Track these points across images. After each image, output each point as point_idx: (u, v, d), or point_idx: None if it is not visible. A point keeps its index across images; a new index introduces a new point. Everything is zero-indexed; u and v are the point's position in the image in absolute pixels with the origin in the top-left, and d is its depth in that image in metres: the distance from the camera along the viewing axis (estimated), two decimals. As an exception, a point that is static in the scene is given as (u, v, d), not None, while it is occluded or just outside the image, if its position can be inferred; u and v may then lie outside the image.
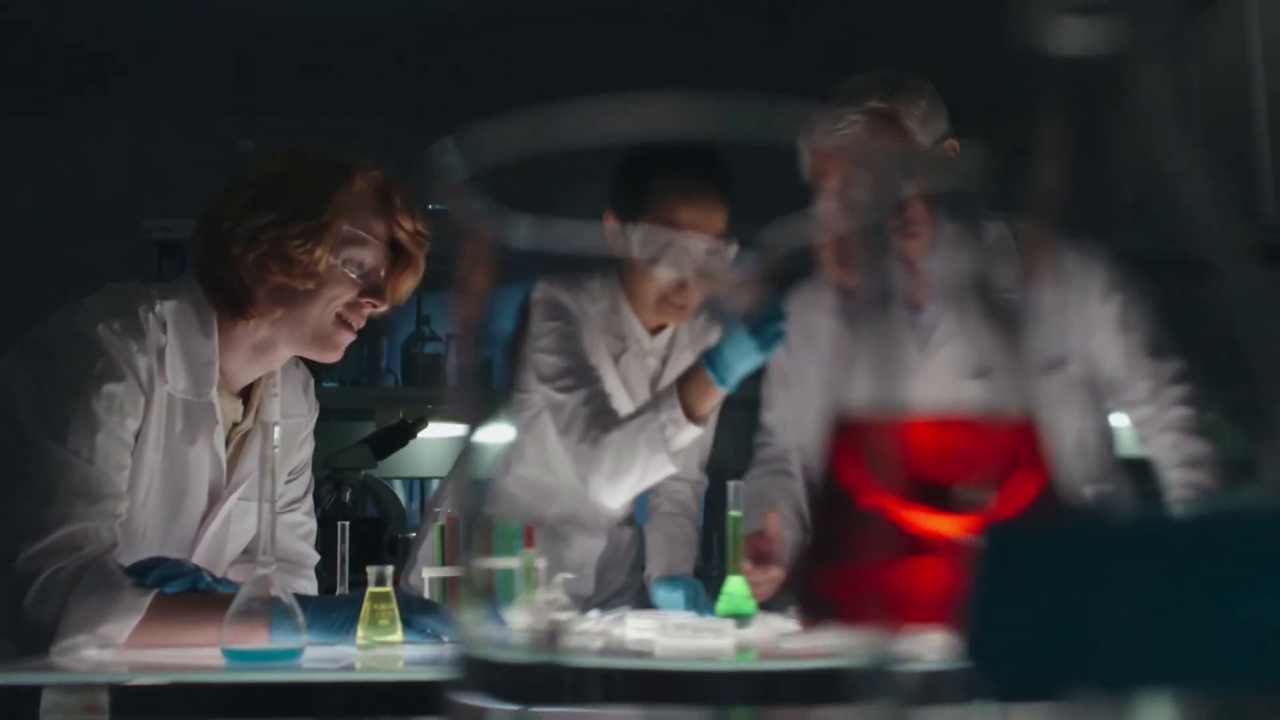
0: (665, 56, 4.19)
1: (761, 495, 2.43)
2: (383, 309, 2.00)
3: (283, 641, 1.52)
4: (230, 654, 1.52)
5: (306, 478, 2.22)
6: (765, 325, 2.12)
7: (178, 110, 4.25)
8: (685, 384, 2.17)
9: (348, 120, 4.19)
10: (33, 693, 1.41)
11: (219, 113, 4.21)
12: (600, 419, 2.18)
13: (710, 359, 2.16)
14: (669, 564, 2.36)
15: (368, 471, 3.56)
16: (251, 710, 1.45)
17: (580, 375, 2.24)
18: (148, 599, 1.67)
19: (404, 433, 3.55)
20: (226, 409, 1.98)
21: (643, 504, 2.66)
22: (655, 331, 2.39)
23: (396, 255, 2.02)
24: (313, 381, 2.23)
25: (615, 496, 2.19)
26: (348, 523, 1.93)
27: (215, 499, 1.97)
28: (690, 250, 2.19)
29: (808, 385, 2.41)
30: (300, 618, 1.54)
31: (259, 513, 1.57)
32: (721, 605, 1.89)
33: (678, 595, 2.14)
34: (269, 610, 1.53)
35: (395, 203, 1.99)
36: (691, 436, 2.16)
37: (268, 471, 1.58)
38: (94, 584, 1.66)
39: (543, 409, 2.39)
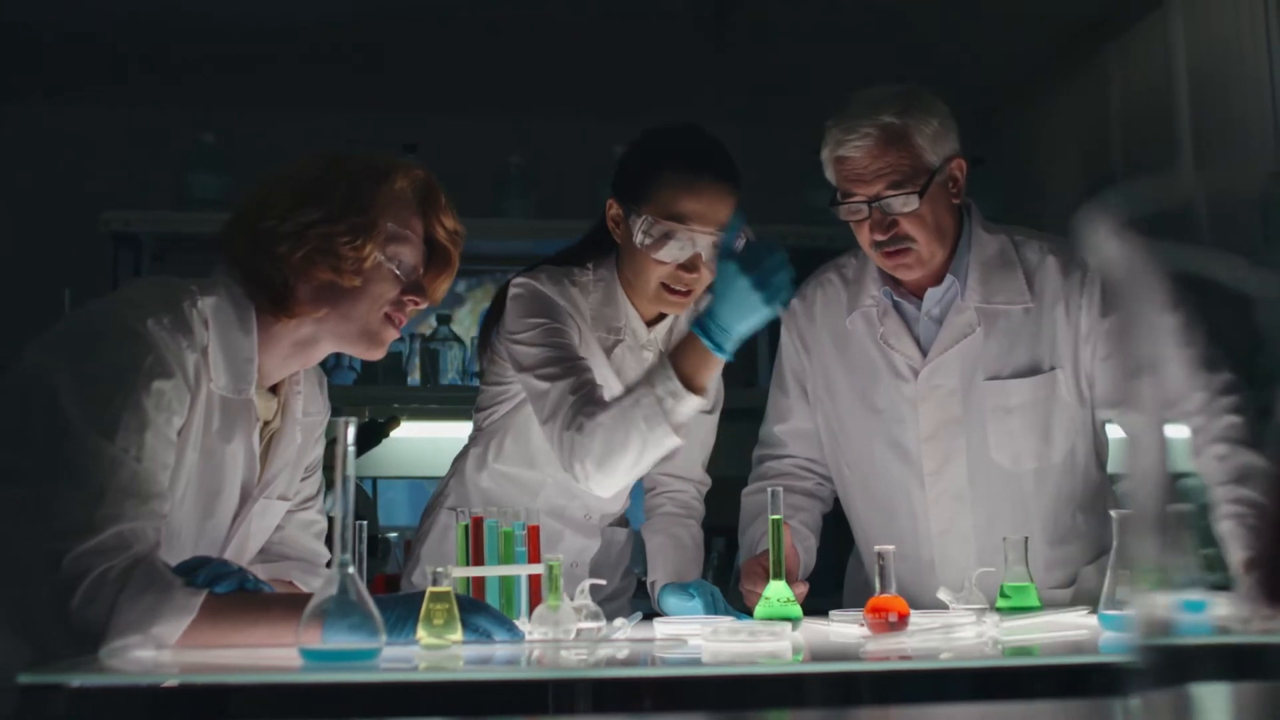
0: (605, 59, 4.24)
1: (765, 510, 2.44)
2: (424, 306, 2.01)
3: (361, 642, 1.52)
4: (309, 654, 1.51)
5: (319, 476, 2.21)
6: (770, 276, 2.00)
7: (137, 101, 4.18)
8: (680, 353, 2.08)
9: (310, 115, 4.17)
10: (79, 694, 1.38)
11: (179, 105, 4.15)
12: (587, 407, 2.12)
13: (704, 324, 2.05)
14: (677, 569, 2.35)
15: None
16: (331, 711, 1.45)
17: (565, 364, 2.21)
18: (200, 599, 1.66)
19: (376, 432, 3.54)
20: (260, 407, 1.96)
21: (637, 505, 2.66)
22: (652, 323, 2.41)
23: (433, 254, 2.03)
24: (325, 379, 2.23)
25: (606, 482, 2.11)
26: (364, 522, 1.92)
27: (246, 498, 1.96)
28: (693, 241, 2.23)
29: (837, 392, 2.45)
30: (379, 618, 1.54)
31: (337, 513, 1.57)
32: (762, 610, 1.91)
33: (695, 603, 2.14)
34: (351, 610, 1.53)
35: (438, 201, 2.00)
36: (692, 408, 2.06)
37: (342, 471, 1.57)
38: (144, 584, 1.64)
39: (522, 402, 2.39)
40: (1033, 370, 2.31)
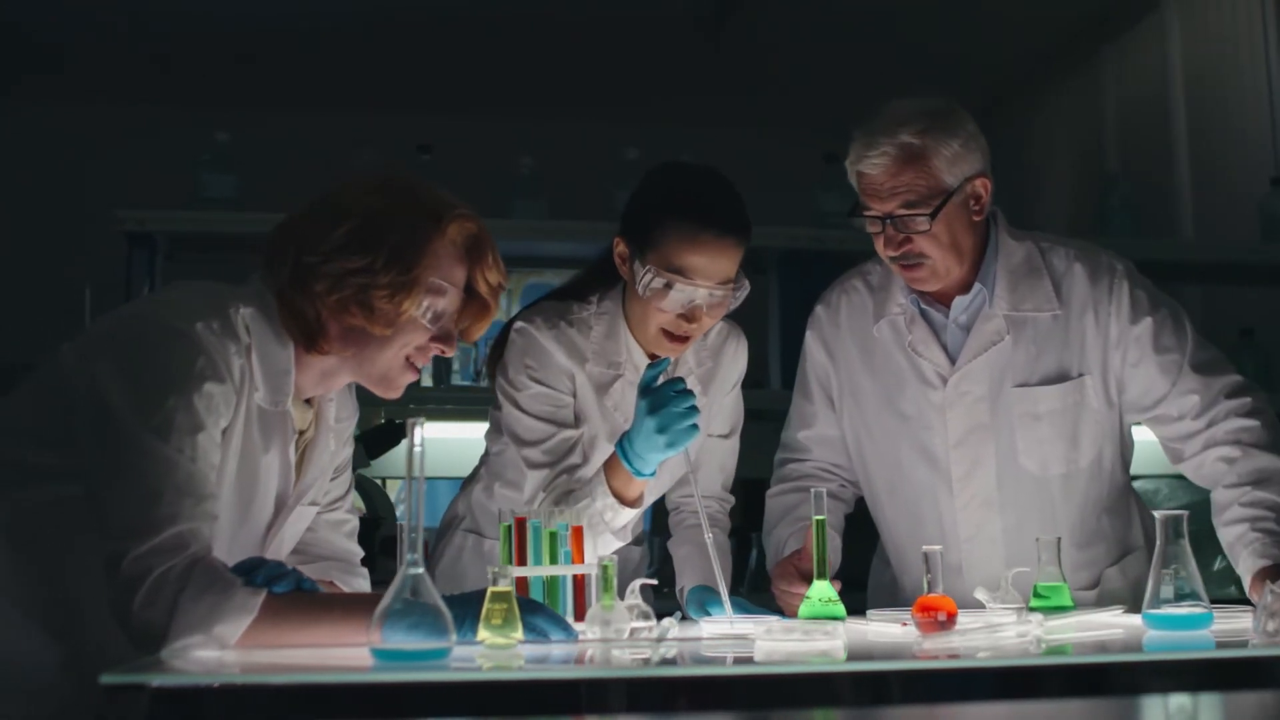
0: (605, 61, 4.26)
1: (791, 511, 2.47)
2: (450, 354, 2.01)
3: (432, 641, 1.53)
4: (380, 654, 1.53)
5: (348, 476, 2.21)
6: (672, 423, 2.13)
7: (150, 100, 4.17)
8: (610, 471, 2.22)
9: (323, 114, 4.17)
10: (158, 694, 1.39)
11: (192, 104, 4.15)
12: (555, 505, 2.26)
13: (624, 449, 2.19)
14: (704, 575, 2.36)
15: (360, 470, 3.53)
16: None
17: (548, 448, 2.33)
18: (260, 598, 1.67)
19: (396, 432, 3.52)
20: (296, 416, 1.97)
21: (651, 523, 2.68)
22: (654, 358, 2.40)
23: (471, 298, 2.00)
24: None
25: None
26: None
27: (280, 507, 1.97)
28: (694, 293, 2.23)
29: (863, 397, 2.46)
30: (449, 617, 1.56)
31: (405, 514, 1.58)
32: (806, 609, 1.93)
33: (724, 606, 2.15)
34: (420, 610, 1.55)
35: (486, 256, 1.97)
36: (628, 517, 2.24)
37: (411, 472, 1.59)
38: (205, 584, 1.65)
39: None
40: (1061, 377, 2.32)
